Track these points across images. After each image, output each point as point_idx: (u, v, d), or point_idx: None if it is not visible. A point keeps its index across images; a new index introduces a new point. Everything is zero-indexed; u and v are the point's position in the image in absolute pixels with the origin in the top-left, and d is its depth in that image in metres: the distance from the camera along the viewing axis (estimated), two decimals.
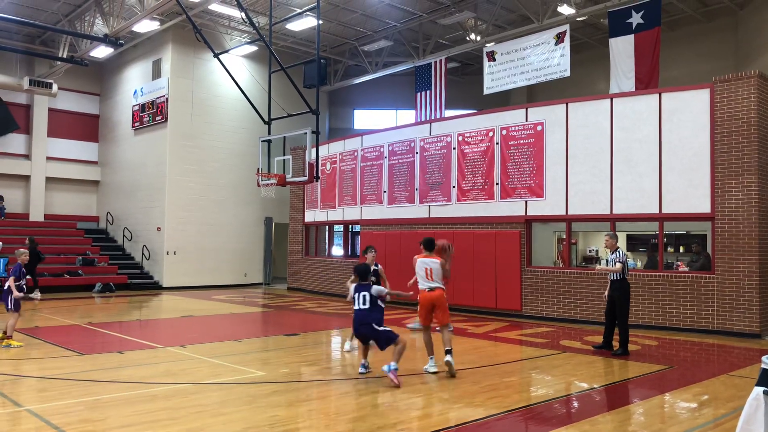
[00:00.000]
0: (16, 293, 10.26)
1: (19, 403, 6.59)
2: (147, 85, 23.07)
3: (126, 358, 9.32)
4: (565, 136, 14.20)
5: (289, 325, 13.64)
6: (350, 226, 20.88)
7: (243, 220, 23.65)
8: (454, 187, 16.19)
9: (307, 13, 18.17)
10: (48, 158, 24.44)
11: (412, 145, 17.37)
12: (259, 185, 15.54)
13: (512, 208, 14.97)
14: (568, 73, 16.64)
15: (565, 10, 17.91)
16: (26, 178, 24.04)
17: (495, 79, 18.27)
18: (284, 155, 16.15)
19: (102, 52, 21.58)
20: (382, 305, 8.17)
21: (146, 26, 19.95)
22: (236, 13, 19.59)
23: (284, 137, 15.68)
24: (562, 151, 14.22)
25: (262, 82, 19.00)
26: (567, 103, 14.35)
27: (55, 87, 22.62)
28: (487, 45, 19.21)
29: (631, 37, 15.66)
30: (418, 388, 7.56)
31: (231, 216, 23.30)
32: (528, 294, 14.63)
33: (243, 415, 6.31)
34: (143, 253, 22.70)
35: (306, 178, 15.07)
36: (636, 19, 15.44)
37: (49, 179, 24.44)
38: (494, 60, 18.27)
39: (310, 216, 21.55)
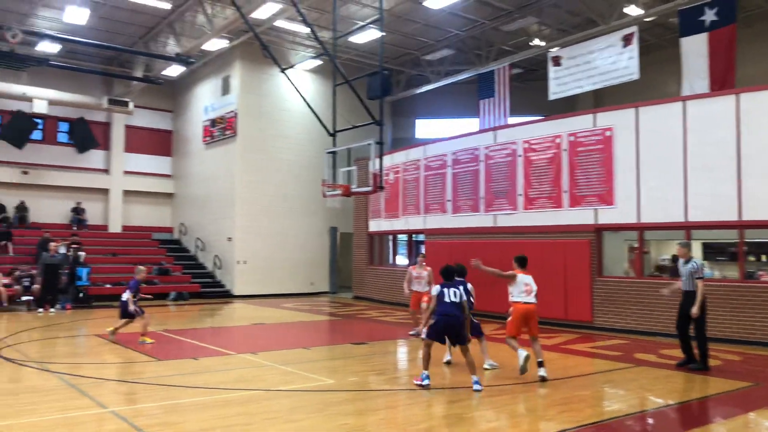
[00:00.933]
0: (131, 307, 11.60)
1: (104, 404, 6.92)
2: (217, 101, 23.87)
3: (201, 364, 9.63)
4: (636, 142, 13.80)
5: (355, 334, 13.75)
6: (414, 236, 20.91)
7: (309, 229, 24.06)
8: (520, 195, 15.98)
9: (370, 25, 18.42)
10: (125, 172, 25.63)
11: (476, 153, 17.27)
12: (324, 196, 15.81)
13: (581, 216, 14.64)
14: (636, 76, 16.20)
15: (633, 11, 17.47)
16: (105, 191, 25.26)
17: (560, 84, 17.97)
18: (349, 166, 16.37)
19: (174, 70, 22.52)
20: None
21: (215, 44, 20.71)
22: (301, 29, 20.09)
23: (348, 149, 15.90)
24: (632, 156, 13.82)
25: (326, 95, 19.35)
26: (637, 107, 13.95)
27: (131, 105, 23.77)
28: (552, 50, 18.93)
29: (704, 36, 15.10)
30: (489, 401, 7.48)
31: (297, 226, 23.75)
32: (599, 305, 14.24)
33: (314, 422, 6.42)
34: (215, 263, 23.42)
35: (370, 188, 15.25)
36: (709, 16, 14.89)
37: (126, 192, 25.60)
38: (559, 65, 17.98)
39: (374, 225, 21.70)
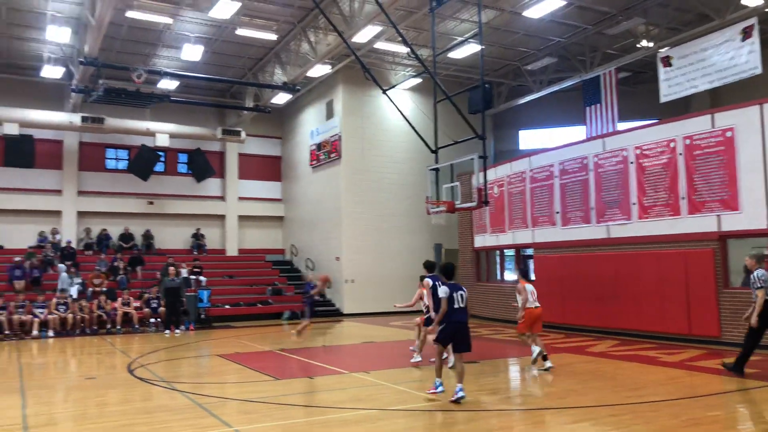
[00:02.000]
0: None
1: (228, 423, 7.24)
2: (321, 126, 24.65)
3: (316, 383, 9.88)
4: (762, 141, 12.77)
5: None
6: (522, 250, 20.45)
7: (414, 247, 24.11)
8: (634, 204, 15.24)
9: (469, 40, 18.39)
10: (239, 198, 26.98)
11: (585, 162, 16.69)
12: (428, 213, 15.82)
13: (702, 223, 13.72)
14: (759, 71, 15.12)
15: (751, 1, 16.32)
16: (222, 217, 26.69)
17: (672, 85, 17.09)
18: (452, 182, 16.29)
19: (281, 98, 23.53)
20: None
21: (319, 71, 21.46)
22: (400, 49, 20.39)
23: (451, 164, 15.84)
24: (758, 157, 12.80)
25: (427, 112, 19.43)
26: (761, 104, 12.93)
27: (243, 134, 25.09)
28: (661, 50, 18.03)
29: None
30: (612, 420, 7.13)
31: (402, 244, 23.90)
32: (727, 318, 13.22)
33: None
34: None
35: (475, 204, 15.07)
36: None
37: (240, 217, 26.93)
38: (670, 65, 17.12)
39: (480, 241, 21.43)
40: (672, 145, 14.39)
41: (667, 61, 17.23)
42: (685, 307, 13.83)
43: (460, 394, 7.91)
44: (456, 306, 8.18)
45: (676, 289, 13.97)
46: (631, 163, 15.32)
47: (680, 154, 14.18)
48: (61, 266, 20.63)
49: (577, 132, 24.44)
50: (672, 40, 18.46)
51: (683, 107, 21.17)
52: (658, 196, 14.65)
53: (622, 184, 15.54)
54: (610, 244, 15.83)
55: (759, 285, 9.34)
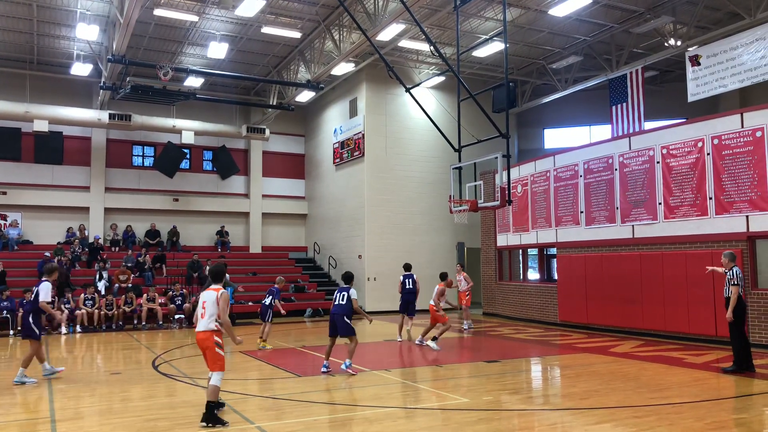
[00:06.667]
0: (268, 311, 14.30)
1: (250, 420, 7.31)
2: (345, 124, 24.72)
3: (338, 380, 9.92)
4: None
5: (487, 351, 13.55)
6: (545, 250, 20.30)
7: (436, 246, 24.11)
8: (660, 204, 15.04)
9: (494, 38, 18.29)
10: (263, 196, 27.17)
11: (610, 161, 16.51)
12: (451, 212, 15.79)
13: (730, 224, 13.50)
14: None
15: None
16: (246, 214, 26.90)
17: (701, 84, 16.80)
18: (475, 181, 16.25)
19: (305, 96, 23.63)
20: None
21: (343, 69, 21.51)
22: (424, 47, 20.36)
23: (474, 163, 15.80)
24: None
25: (450, 111, 19.40)
26: None
27: (267, 132, 25.27)
28: (690, 49, 17.75)
29: None
30: (635, 422, 7.05)
31: (425, 242, 23.88)
32: (755, 320, 13.00)
33: None
34: None
35: (498, 203, 15.02)
36: None
37: (264, 215, 27.11)
38: (699, 64, 16.83)
39: (503, 240, 21.33)
40: (700, 144, 14.17)
41: (695, 60, 16.96)
42: (711, 307, 13.61)
43: (343, 367, 10.30)
44: (336, 303, 10.49)
45: (702, 290, 13.75)
46: (658, 162, 15.13)
47: (708, 153, 13.96)
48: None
49: (603, 131, 24.24)
50: (701, 38, 18.18)
51: (711, 107, 20.84)
52: (685, 196, 14.44)
53: (648, 183, 15.35)
54: (635, 244, 15.66)
55: (734, 282, 10.00)
